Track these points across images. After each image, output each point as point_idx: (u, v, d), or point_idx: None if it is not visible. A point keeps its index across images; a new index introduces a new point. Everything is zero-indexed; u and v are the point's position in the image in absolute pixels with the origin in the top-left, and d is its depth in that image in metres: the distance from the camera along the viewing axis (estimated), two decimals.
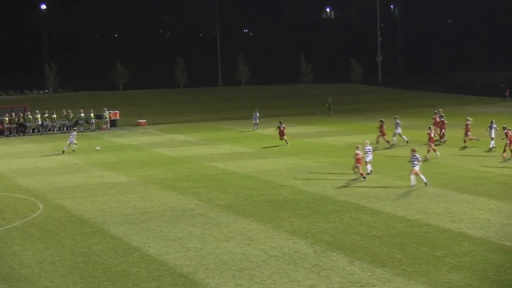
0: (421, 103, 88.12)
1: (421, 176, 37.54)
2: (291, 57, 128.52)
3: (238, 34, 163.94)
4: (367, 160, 41.76)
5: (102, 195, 38.50)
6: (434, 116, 56.64)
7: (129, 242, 28.45)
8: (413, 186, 37.44)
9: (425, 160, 44.25)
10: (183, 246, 27.71)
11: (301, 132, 66.93)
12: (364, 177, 40.16)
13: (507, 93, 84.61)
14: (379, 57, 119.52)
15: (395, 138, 54.47)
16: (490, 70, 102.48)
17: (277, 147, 55.79)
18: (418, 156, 37.84)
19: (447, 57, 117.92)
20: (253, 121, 70.50)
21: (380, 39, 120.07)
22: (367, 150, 42.13)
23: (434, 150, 47.17)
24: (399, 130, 54.47)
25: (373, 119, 72.85)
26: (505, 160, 46.05)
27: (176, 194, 38.21)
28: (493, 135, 50.66)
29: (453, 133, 56.38)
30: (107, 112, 77.23)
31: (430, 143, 47.45)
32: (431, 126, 49.88)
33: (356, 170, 40.46)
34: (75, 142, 56.60)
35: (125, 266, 25.27)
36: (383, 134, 53.14)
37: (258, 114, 70.63)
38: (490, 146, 50.49)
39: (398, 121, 54.78)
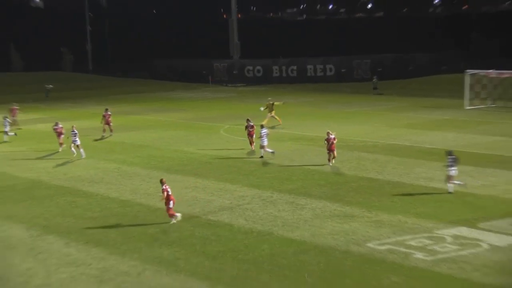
0: (130, 89, 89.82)
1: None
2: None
3: None
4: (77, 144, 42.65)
5: None
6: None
7: None
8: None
9: None
10: None
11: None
12: None
13: (211, 79, 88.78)
14: (88, 46, 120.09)
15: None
16: (191, 58, 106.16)
17: None
18: None
19: (152, 45, 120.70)
20: None
21: (90, 28, 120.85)
22: (73, 134, 42.69)
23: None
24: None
25: (85, 105, 73.28)
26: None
27: None
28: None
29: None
30: None
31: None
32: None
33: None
34: None
35: None
36: (107, 123, 51.26)
37: None
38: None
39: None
